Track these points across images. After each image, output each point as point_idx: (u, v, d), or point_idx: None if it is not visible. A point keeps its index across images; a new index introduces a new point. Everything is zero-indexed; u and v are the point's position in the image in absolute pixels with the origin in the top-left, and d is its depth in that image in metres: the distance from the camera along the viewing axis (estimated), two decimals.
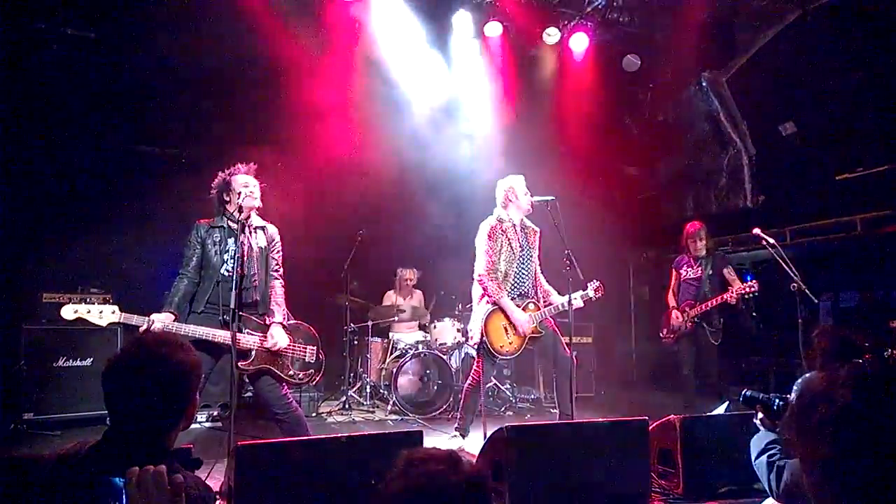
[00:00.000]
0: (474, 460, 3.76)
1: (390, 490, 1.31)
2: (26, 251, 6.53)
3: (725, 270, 6.17)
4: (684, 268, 6.35)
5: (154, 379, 1.72)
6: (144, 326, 3.77)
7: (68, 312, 3.74)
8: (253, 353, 4.06)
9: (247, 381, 4.69)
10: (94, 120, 6.87)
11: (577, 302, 4.96)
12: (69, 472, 1.65)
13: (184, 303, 4.05)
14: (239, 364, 3.98)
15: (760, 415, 3.04)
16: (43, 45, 6.32)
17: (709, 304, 5.95)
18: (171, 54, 6.38)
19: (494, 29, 7.55)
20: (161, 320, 3.81)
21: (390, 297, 7.97)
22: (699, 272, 6.21)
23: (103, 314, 3.78)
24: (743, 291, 5.83)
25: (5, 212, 6.39)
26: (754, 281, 5.85)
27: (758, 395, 2.96)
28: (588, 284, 5.04)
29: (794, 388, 2.88)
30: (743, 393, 3.02)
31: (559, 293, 5.11)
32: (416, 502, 1.29)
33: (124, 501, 1.45)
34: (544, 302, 5.09)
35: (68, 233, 6.63)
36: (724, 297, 5.90)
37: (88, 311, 3.77)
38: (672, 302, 6.37)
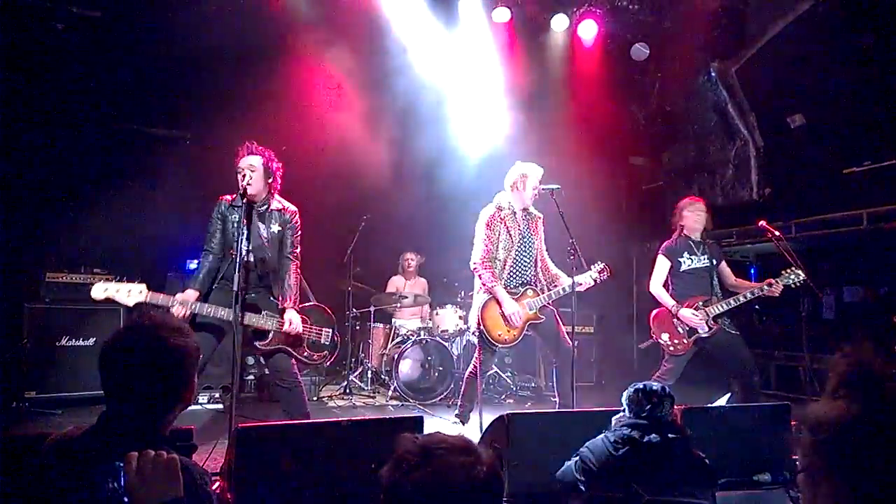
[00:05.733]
0: None
1: (411, 479, 1.28)
2: (30, 230, 6.52)
3: (724, 263, 5.35)
4: (685, 255, 5.21)
5: (151, 362, 1.70)
6: (170, 307, 3.82)
7: (98, 292, 3.80)
8: (270, 334, 4.13)
9: (249, 356, 4.73)
10: (99, 100, 6.84)
11: (588, 280, 4.94)
12: (65, 456, 1.64)
13: (208, 279, 4.12)
14: (257, 344, 4.11)
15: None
16: (48, 25, 6.28)
17: (744, 295, 4.98)
18: (178, 34, 6.34)
19: (502, 14, 7.48)
20: (183, 300, 3.86)
21: (395, 283, 7.96)
22: (705, 261, 5.20)
23: (131, 293, 3.83)
24: (782, 285, 4.90)
25: (9, 191, 6.38)
26: (796, 269, 4.87)
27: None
28: (592, 266, 4.98)
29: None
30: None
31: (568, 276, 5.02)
32: (441, 493, 1.27)
33: (122, 482, 1.46)
34: (553, 285, 5.04)
35: (72, 212, 6.62)
36: (769, 289, 4.89)
37: (118, 291, 3.81)
38: (668, 299, 5.17)
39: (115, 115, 7.07)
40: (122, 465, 1.47)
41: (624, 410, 2.86)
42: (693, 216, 5.30)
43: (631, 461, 2.51)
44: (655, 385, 2.74)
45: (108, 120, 7.06)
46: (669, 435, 2.58)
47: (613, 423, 2.84)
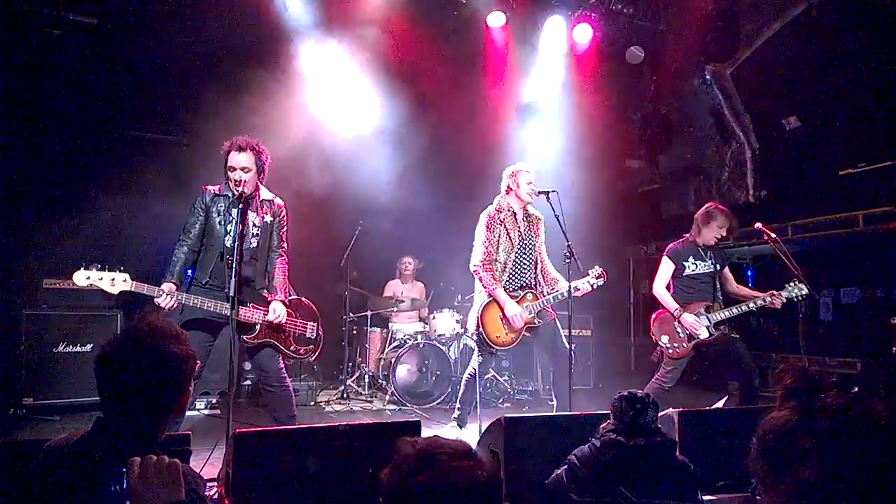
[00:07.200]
0: None
1: (412, 483, 1.28)
2: (27, 236, 6.52)
3: (727, 268, 5.32)
4: (690, 259, 5.17)
5: (147, 369, 1.70)
6: (155, 296, 3.72)
7: (80, 278, 3.65)
8: (257, 327, 4.06)
9: (246, 362, 4.66)
10: (95, 105, 6.84)
11: (585, 286, 4.91)
12: (64, 462, 1.65)
13: (184, 272, 3.99)
14: (244, 338, 4.00)
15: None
16: (44, 30, 6.29)
17: (747, 304, 5.00)
18: (173, 39, 6.34)
19: (497, 19, 7.50)
20: (170, 290, 3.76)
21: (392, 287, 7.97)
22: (710, 266, 5.17)
23: (115, 282, 3.69)
24: (787, 297, 4.95)
25: (5, 197, 6.38)
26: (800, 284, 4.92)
27: None
28: (590, 271, 4.96)
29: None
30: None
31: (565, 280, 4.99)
32: (442, 497, 1.28)
33: (125, 486, 1.46)
34: (551, 289, 5.05)
35: (69, 219, 6.62)
36: (770, 300, 4.95)
37: (100, 279, 3.67)
38: (671, 302, 5.13)
39: (110, 120, 7.07)
40: (124, 469, 1.48)
41: (610, 418, 2.89)
42: (719, 231, 5.15)
43: (617, 467, 2.53)
44: (639, 393, 2.78)
45: (104, 125, 7.06)
46: (654, 440, 2.61)
47: (600, 430, 2.87)
